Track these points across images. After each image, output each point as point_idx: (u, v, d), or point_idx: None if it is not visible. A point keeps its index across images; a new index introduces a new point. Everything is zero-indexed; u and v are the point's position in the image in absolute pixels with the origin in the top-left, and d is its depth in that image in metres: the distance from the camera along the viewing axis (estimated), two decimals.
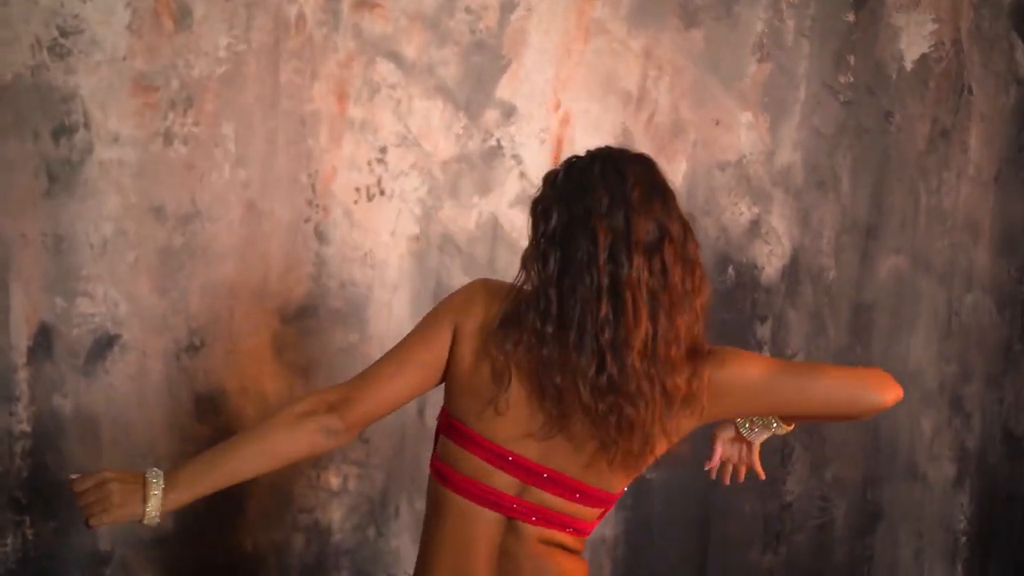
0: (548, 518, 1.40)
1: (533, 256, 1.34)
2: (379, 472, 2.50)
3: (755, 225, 2.87)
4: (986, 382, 3.13)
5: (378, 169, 2.51)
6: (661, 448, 1.40)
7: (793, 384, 1.42)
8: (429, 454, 2.50)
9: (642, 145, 2.69)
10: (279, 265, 2.43)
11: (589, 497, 1.41)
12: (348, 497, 2.48)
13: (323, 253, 2.47)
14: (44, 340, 2.25)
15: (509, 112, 2.62)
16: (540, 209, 1.36)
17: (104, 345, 2.31)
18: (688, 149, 2.80)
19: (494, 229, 2.60)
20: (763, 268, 2.88)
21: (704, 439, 1.66)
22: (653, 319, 1.29)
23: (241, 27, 2.39)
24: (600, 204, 1.28)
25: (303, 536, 2.45)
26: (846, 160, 2.97)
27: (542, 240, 1.33)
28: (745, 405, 1.43)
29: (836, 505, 2.96)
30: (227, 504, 2.39)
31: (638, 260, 1.27)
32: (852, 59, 2.97)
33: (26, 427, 2.24)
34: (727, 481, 1.69)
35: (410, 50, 2.53)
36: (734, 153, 2.84)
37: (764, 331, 2.86)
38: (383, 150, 2.51)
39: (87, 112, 2.27)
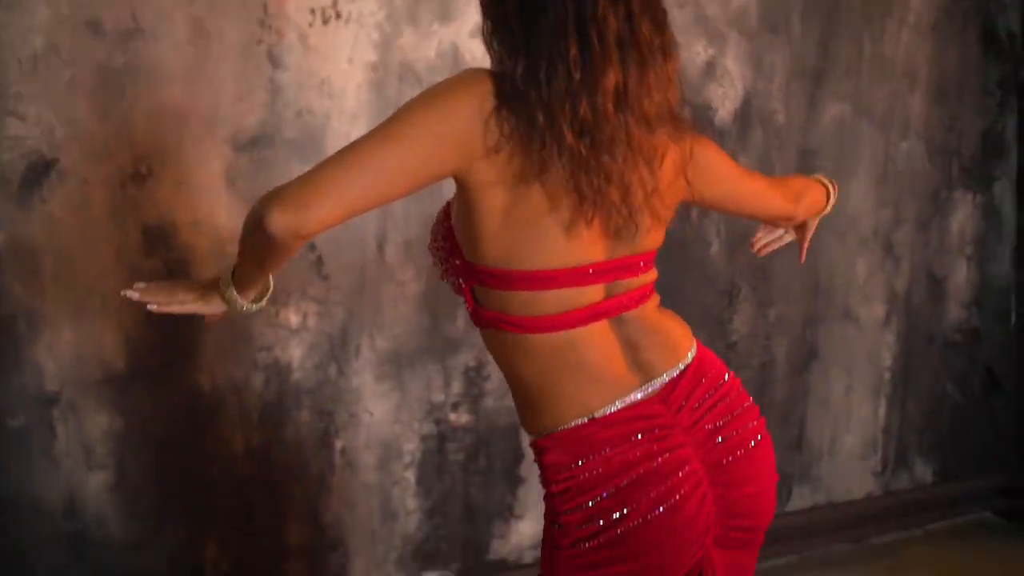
0: (636, 295, 1.38)
1: (509, 30, 1.26)
2: (339, 309, 2.42)
3: (710, 67, 2.84)
4: (915, 227, 3.26)
5: None
6: (674, 201, 1.41)
7: (747, 186, 1.61)
8: (391, 291, 2.47)
9: None
10: (230, 90, 2.27)
11: (646, 261, 1.41)
12: (308, 335, 2.40)
13: (277, 79, 2.31)
14: None
15: None
16: None
17: (40, 172, 2.12)
18: None
19: (455, 59, 2.49)
20: (717, 110, 2.87)
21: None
22: (623, 66, 1.24)
23: None
24: None
25: (263, 375, 2.37)
26: (797, 4, 2.95)
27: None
28: (702, 181, 1.44)
29: (777, 344, 3.06)
30: (183, 342, 2.28)
31: (604, 6, 1.22)
32: None
33: None
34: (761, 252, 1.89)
35: None
36: None
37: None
38: None
39: None
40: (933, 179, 3.26)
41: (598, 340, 1.35)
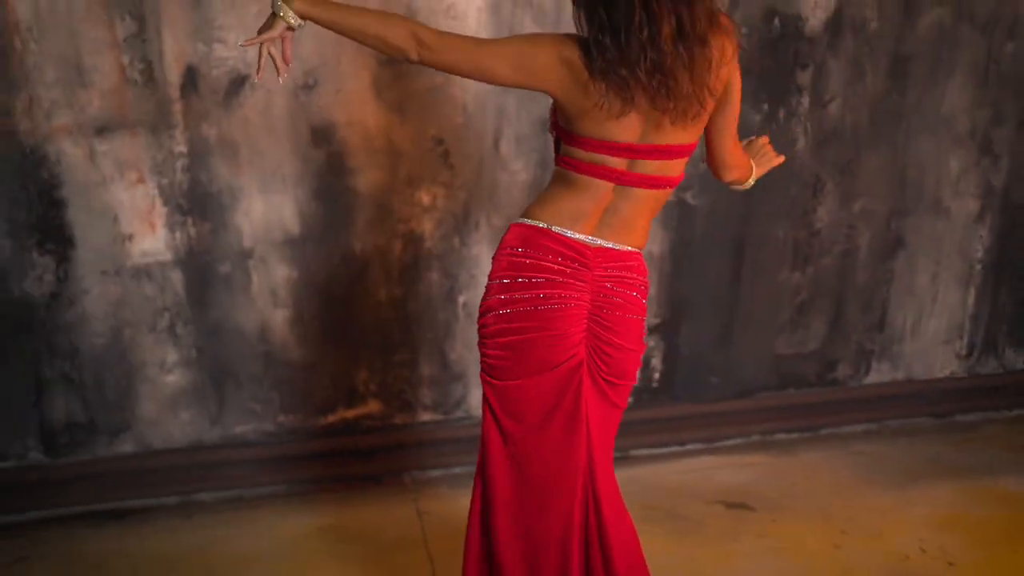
0: (649, 182, 1.92)
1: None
2: (462, 192, 3.03)
3: None
4: (1018, 126, 3.39)
5: None
6: (710, 104, 1.89)
7: (734, 122, 2.01)
8: (504, 179, 3.04)
9: None
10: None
11: (674, 152, 1.92)
12: (437, 212, 3.03)
13: (414, 5, 2.88)
14: (191, 79, 2.79)
15: None
16: None
17: (237, 84, 2.83)
18: None
19: None
20: (807, 19, 3.15)
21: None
22: (674, 11, 1.76)
23: None
24: None
25: (401, 242, 3.03)
26: None
27: None
28: (718, 94, 1.92)
29: (861, 233, 3.36)
30: (340, 214, 2.97)
31: None
32: None
33: (183, 148, 2.82)
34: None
35: None
36: None
37: (804, 77, 3.17)
38: None
39: None
40: None
41: (600, 193, 1.92)
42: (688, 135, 1.92)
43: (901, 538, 2.82)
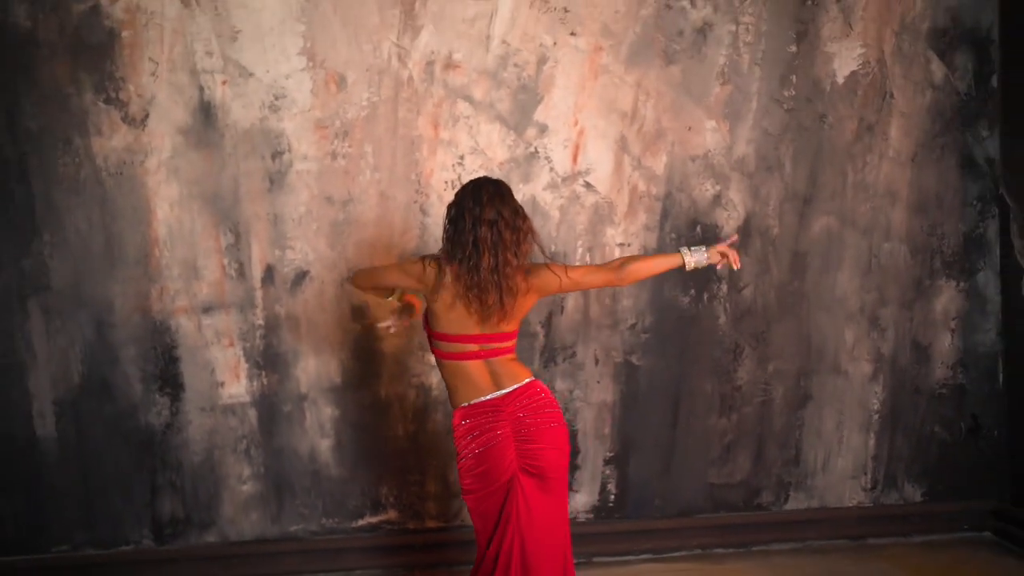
0: (497, 351, 2.96)
1: (448, 235, 2.95)
2: None
3: (717, 198, 4.19)
4: (899, 306, 4.31)
5: (458, 169, 4.06)
6: (519, 312, 2.95)
7: (570, 279, 2.99)
8: None
9: (633, 146, 4.10)
10: (399, 229, 4.05)
11: (505, 336, 2.97)
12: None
13: (425, 222, 4.06)
14: (269, 274, 4.00)
15: (543, 129, 4.09)
16: (450, 208, 2.95)
17: (300, 277, 4.03)
18: (668, 147, 4.15)
19: (533, 203, 4.09)
20: (722, 227, 4.20)
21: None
22: (494, 255, 2.84)
23: (375, 87, 3.99)
24: (472, 204, 2.87)
25: (414, 391, 4.11)
26: (788, 150, 4.21)
27: (449, 224, 2.92)
28: (547, 289, 2.97)
29: (775, 388, 4.28)
30: (371, 369, 4.08)
31: (484, 229, 2.83)
32: (794, 79, 4.18)
33: (261, 322, 4.01)
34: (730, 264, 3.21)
35: (478, 93, 4.04)
36: (702, 149, 4.17)
37: (723, 269, 4.19)
38: (461, 157, 4.06)
39: (290, 143, 3.97)
40: (915, 271, 4.30)
41: (474, 368, 2.96)
42: (508, 327, 2.97)
43: None
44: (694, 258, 3.09)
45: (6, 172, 3.87)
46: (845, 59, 4.20)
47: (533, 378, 3.04)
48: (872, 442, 4.35)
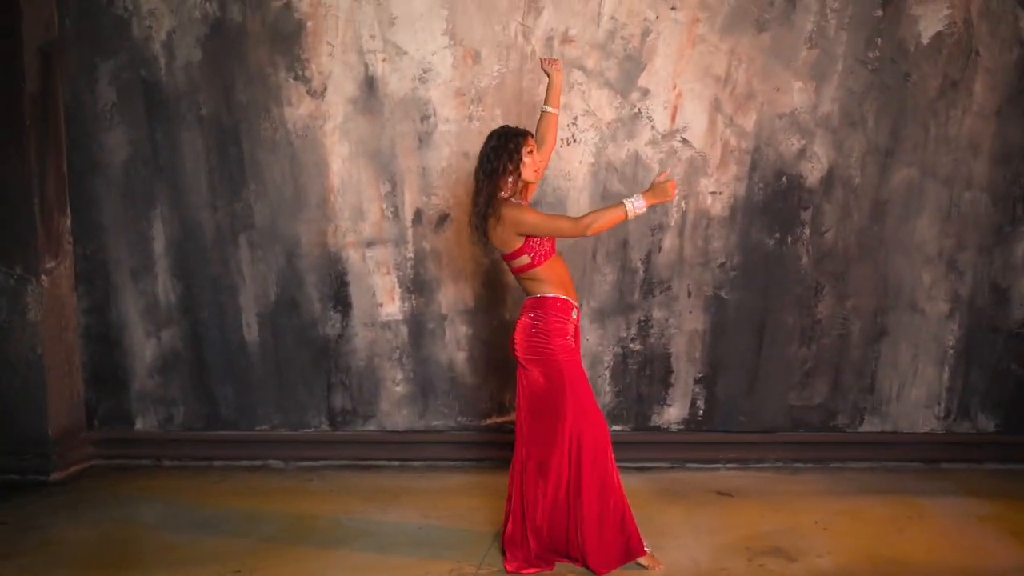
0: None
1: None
2: None
3: (802, 151, 4.68)
4: (978, 250, 4.63)
5: (572, 128, 4.79)
6: (496, 239, 3.65)
7: (545, 225, 3.63)
8: (598, 278, 4.87)
9: (726, 106, 4.68)
10: None
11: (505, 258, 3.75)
12: None
13: (547, 173, 4.82)
14: (418, 216, 4.92)
15: (645, 93, 4.73)
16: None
17: (443, 219, 4.92)
18: (758, 107, 4.69)
19: (636, 158, 4.76)
20: (806, 177, 4.69)
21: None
22: (477, 194, 3.62)
23: (504, 60, 4.78)
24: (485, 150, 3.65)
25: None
26: (872, 107, 4.62)
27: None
28: (517, 228, 3.62)
29: (853, 323, 4.74)
30: (498, 295, 4.93)
31: (479, 175, 3.61)
32: (879, 41, 4.58)
33: (411, 255, 4.95)
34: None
35: (590, 63, 4.75)
36: (789, 108, 4.67)
37: (806, 215, 4.69)
38: (575, 118, 4.79)
39: (435, 108, 4.85)
40: (995, 218, 4.60)
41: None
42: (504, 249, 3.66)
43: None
44: (634, 205, 3.46)
45: (224, 136, 4.99)
46: (931, 20, 4.54)
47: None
48: (947, 375, 4.73)
